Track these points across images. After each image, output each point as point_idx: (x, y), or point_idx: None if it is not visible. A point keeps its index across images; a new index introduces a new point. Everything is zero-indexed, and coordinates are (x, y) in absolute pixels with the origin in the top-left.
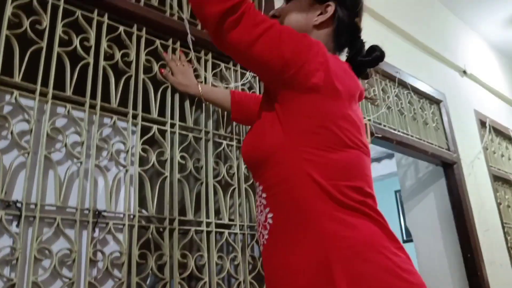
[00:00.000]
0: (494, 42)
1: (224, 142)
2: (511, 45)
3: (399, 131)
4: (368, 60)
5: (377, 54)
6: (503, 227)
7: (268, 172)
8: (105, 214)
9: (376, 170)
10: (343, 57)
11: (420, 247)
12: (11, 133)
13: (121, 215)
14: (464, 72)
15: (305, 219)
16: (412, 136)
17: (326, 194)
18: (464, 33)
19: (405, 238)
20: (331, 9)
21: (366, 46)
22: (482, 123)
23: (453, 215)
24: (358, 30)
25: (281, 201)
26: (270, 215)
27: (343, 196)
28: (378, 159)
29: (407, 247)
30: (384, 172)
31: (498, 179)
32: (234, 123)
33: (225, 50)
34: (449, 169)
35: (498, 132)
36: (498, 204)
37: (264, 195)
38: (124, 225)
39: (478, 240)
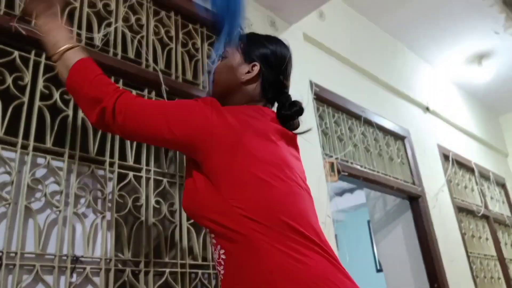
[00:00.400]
0: (455, 79)
1: None
2: (471, 81)
3: (365, 167)
4: (288, 114)
5: (296, 108)
6: (468, 257)
7: (208, 221)
8: (82, 259)
9: (349, 200)
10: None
11: (390, 278)
12: None
13: (98, 260)
14: (427, 108)
15: (253, 254)
16: (378, 172)
17: (265, 230)
18: (426, 71)
19: (378, 267)
20: (256, 68)
21: (332, 84)
22: (446, 157)
23: (420, 246)
24: (283, 86)
25: (228, 239)
26: (222, 251)
27: (281, 230)
28: (351, 190)
29: (380, 276)
30: (357, 202)
31: (462, 210)
32: None
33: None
34: (415, 202)
35: (461, 164)
36: (463, 235)
37: (212, 235)
38: (101, 269)
39: (444, 271)
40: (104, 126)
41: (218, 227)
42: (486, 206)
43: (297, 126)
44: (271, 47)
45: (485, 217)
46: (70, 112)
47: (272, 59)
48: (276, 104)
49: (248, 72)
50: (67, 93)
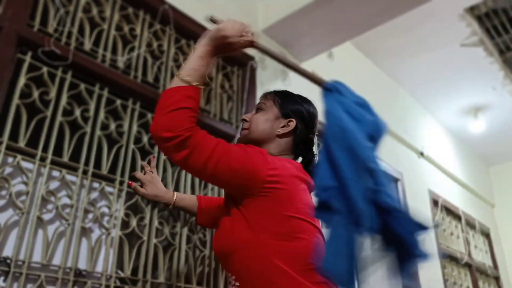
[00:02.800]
0: (450, 128)
1: None
2: (466, 132)
3: None
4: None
5: None
6: None
7: (238, 264)
8: (85, 273)
9: None
10: None
11: None
12: (10, 194)
13: (99, 275)
14: (422, 153)
15: None
16: None
17: (292, 278)
18: (423, 118)
19: None
20: (292, 124)
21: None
22: (435, 202)
23: None
24: (312, 144)
25: (251, 283)
26: None
27: (306, 278)
28: None
29: None
30: None
31: (446, 256)
32: (210, 193)
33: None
34: None
35: (449, 211)
36: (445, 281)
37: (237, 283)
38: (101, 284)
39: None
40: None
41: (247, 270)
42: (469, 254)
43: None
44: (305, 106)
45: (468, 265)
46: (88, 129)
47: (307, 117)
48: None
49: (284, 126)
50: (87, 111)
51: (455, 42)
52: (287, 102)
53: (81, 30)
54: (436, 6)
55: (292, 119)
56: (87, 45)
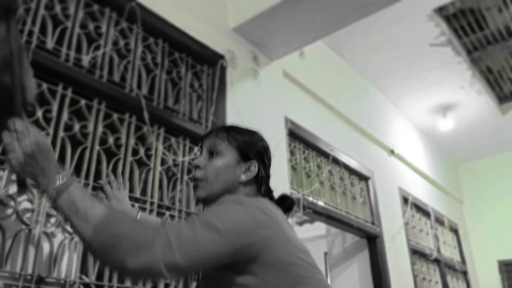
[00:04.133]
0: (420, 126)
1: (167, 213)
2: (435, 130)
3: (329, 205)
4: (285, 208)
5: (290, 202)
6: None
7: None
8: (47, 280)
9: (309, 231)
10: None
11: None
12: None
13: (62, 281)
14: (392, 151)
15: None
16: (341, 210)
17: None
18: (394, 116)
19: None
20: (254, 168)
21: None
22: (405, 200)
23: (373, 286)
24: (269, 180)
25: None
26: None
27: None
28: (311, 221)
29: None
30: (316, 233)
31: (416, 252)
32: (178, 194)
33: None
34: (372, 242)
35: (419, 208)
36: (415, 277)
37: None
38: None
39: None
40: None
41: None
42: (438, 250)
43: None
44: (259, 142)
45: (437, 261)
46: (51, 130)
47: (264, 154)
48: None
49: (246, 171)
50: (49, 112)
51: (424, 42)
52: (243, 141)
53: (43, 28)
54: (405, 6)
55: (253, 161)
56: (50, 43)
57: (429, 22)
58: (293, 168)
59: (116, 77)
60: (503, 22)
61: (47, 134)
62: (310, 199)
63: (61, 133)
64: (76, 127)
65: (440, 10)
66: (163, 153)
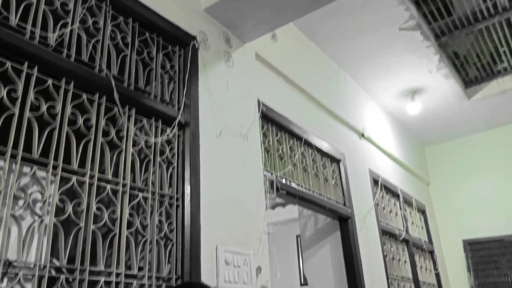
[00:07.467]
0: (389, 110)
1: (140, 194)
2: (403, 113)
3: (302, 186)
4: None
5: None
6: (388, 278)
7: None
8: (15, 264)
9: (281, 215)
10: None
11: None
12: None
13: (32, 265)
14: (363, 134)
15: None
16: (313, 192)
17: None
18: (364, 100)
19: (302, 282)
20: None
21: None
22: (375, 181)
23: (345, 266)
24: None
25: None
26: None
27: None
28: (283, 204)
29: None
30: (289, 217)
31: (385, 233)
32: (151, 176)
33: None
34: (344, 223)
35: (388, 189)
36: (385, 257)
37: None
38: (34, 275)
39: None
40: None
41: None
42: (407, 231)
43: None
44: None
45: (406, 241)
46: (16, 110)
47: None
48: None
49: None
50: (14, 91)
51: (394, 26)
52: None
53: (5, 4)
54: None
55: None
56: (13, 20)
57: (399, 6)
58: (266, 151)
59: (85, 57)
60: (469, 7)
61: (12, 115)
62: (283, 181)
63: (27, 114)
64: (44, 107)
65: None
66: (135, 134)
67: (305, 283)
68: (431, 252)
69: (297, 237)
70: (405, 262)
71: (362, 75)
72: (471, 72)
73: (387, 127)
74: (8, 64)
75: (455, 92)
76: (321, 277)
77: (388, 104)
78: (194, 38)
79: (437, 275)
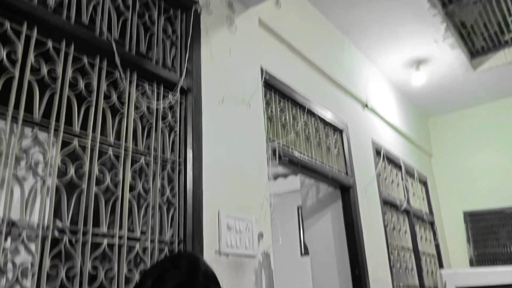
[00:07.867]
0: (393, 80)
1: (142, 158)
2: (407, 83)
3: (304, 155)
4: None
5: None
6: (388, 248)
7: None
8: (18, 224)
9: (282, 186)
10: None
11: (315, 262)
12: None
13: (35, 226)
14: (366, 105)
15: None
16: (316, 160)
17: None
18: (368, 70)
19: (303, 252)
20: None
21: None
22: (378, 152)
23: (346, 234)
24: None
25: None
26: None
27: None
28: (285, 175)
29: (303, 260)
30: (290, 188)
31: (386, 203)
32: (153, 142)
33: None
34: (346, 192)
35: (390, 160)
36: (385, 227)
37: None
38: (37, 235)
39: (366, 259)
40: None
41: None
42: (408, 201)
43: None
44: None
45: (406, 212)
46: (16, 73)
47: None
48: None
49: None
50: (14, 53)
51: None
52: None
53: None
54: None
55: None
56: None
57: None
58: (269, 119)
59: (85, 19)
60: None
61: (12, 78)
62: (286, 149)
63: (28, 76)
64: (44, 70)
65: None
66: (137, 99)
67: (306, 253)
68: (432, 223)
69: (298, 208)
70: (405, 232)
71: (367, 44)
72: (477, 42)
73: (390, 97)
74: (7, 24)
75: (461, 63)
76: (322, 246)
77: (392, 74)
78: (196, 1)
79: (437, 246)
